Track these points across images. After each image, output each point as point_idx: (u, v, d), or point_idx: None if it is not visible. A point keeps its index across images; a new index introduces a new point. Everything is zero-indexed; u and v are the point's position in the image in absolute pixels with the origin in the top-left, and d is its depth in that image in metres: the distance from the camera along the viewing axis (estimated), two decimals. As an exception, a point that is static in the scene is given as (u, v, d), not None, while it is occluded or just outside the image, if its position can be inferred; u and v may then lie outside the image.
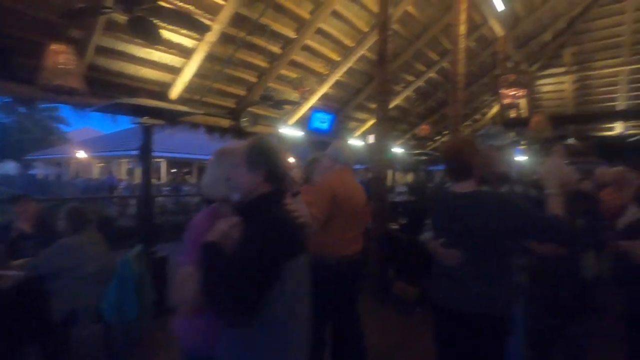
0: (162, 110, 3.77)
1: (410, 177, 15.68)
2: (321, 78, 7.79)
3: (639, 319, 1.99)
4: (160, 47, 5.07)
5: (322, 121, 8.79)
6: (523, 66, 11.62)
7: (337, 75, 7.87)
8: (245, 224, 1.12)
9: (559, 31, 11.13)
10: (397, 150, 13.32)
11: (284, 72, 7.00)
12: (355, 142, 10.54)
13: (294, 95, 7.37)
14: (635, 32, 10.23)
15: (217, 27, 5.18)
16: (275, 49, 6.49)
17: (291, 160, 11.31)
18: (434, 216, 1.81)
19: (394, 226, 4.99)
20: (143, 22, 2.89)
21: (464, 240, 1.57)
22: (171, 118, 4.71)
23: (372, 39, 6.92)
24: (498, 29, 8.36)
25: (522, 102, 11.82)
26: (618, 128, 12.08)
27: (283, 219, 1.17)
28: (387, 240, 4.16)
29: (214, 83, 6.20)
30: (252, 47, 6.20)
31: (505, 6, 7.54)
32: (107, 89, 4.94)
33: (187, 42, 5.34)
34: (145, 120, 3.73)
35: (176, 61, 5.50)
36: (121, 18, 3.89)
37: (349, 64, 7.74)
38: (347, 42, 7.31)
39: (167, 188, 14.24)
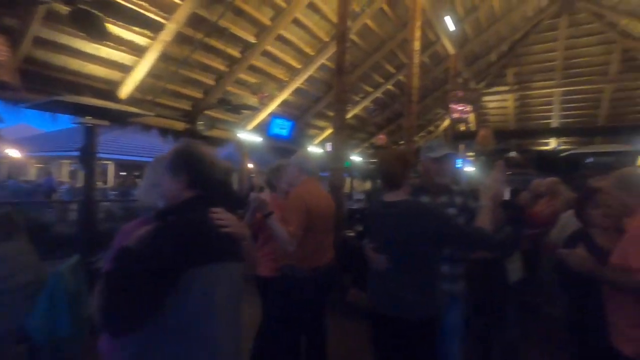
0: (108, 110, 3.53)
1: (368, 185, 16.06)
2: (281, 84, 7.78)
3: (578, 322, 2.18)
4: (109, 43, 4.78)
5: (282, 127, 8.76)
6: (472, 83, 12.47)
7: (297, 83, 7.90)
8: (155, 229, 1.06)
9: (502, 53, 12.12)
10: (355, 158, 13.64)
11: (243, 76, 6.90)
12: (314, 149, 10.62)
13: (253, 100, 7.28)
14: (565, 58, 11.40)
15: (172, 26, 4.99)
16: (235, 52, 6.39)
17: (250, 165, 11.15)
18: (369, 223, 1.91)
19: (351, 233, 5.05)
20: (87, 15, 2.70)
21: (392, 246, 1.65)
22: (119, 119, 4.42)
23: (333, 49, 7.05)
24: (450, 47, 8.90)
25: (471, 116, 12.66)
26: (552, 143, 13.32)
27: (196, 224, 1.09)
28: (343, 247, 4.20)
29: (169, 84, 5.95)
30: (210, 50, 6.05)
31: (456, 27, 8.06)
32: (47, 84, 4.54)
33: (140, 40, 5.09)
34: (88, 120, 3.46)
35: (127, 59, 5.20)
36: (63, 9, 3.61)
37: (310, 72, 7.81)
38: (308, 50, 7.39)
39: (115, 192, 13.32)
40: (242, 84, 7.12)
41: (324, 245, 2.30)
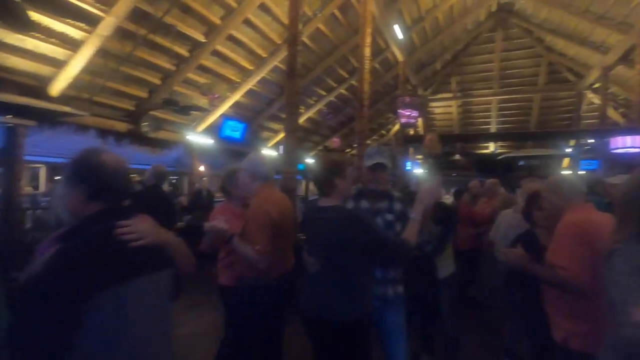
0: (33, 108, 3.18)
1: (322, 187, 16.17)
2: (233, 85, 7.59)
3: (516, 314, 2.35)
4: (36, 35, 4.33)
5: (234, 130, 8.54)
6: (419, 90, 13.12)
7: (249, 84, 7.76)
8: (54, 254, 0.95)
9: (446, 62, 12.91)
10: (310, 161, 13.71)
11: (191, 76, 6.63)
12: (268, 152, 10.50)
13: (202, 101, 7.02)
14: (501, 69, 12.42)
15: (111, 20, 4.65)
16: (182, 51, 6.12)
17: (201, 168, 10.73)
18: (305, 226, 1.92)
19: (303, 237, 5.04)
20: (6, 3, 2.42)
21: (322, 250, 1.69)
22: (47, 118, 4.01)
23: (285, 51, 7.02)
24: (399, 55, 9.28)
25: (419, 121, 13.30)
26: (491, 147, 14.42)
27: (99, 245, 0.99)
28: (296, 251, 4.19)
29: (109, 81, 5.54)
30: (156, 47, 5.73)
31: (404, 35, 8.43)
32: (-42, 78, 4.02)
33: (74, 33, 4.67)
34: (8, 119, 3.10)
35: (59, 53, 4.75)
36: (-21, -6, 3.21)
37: (262, 73, 7.71)
38: (260, 51, 7.29)
39: (47, 198, 12.10)
40: (190, 84, 6.83)
41: (287, 251, 2.21)
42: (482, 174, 11.98)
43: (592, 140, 10.34)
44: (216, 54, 6.63)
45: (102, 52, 5.04)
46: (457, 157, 14.26)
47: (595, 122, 10.85)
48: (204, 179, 9.13)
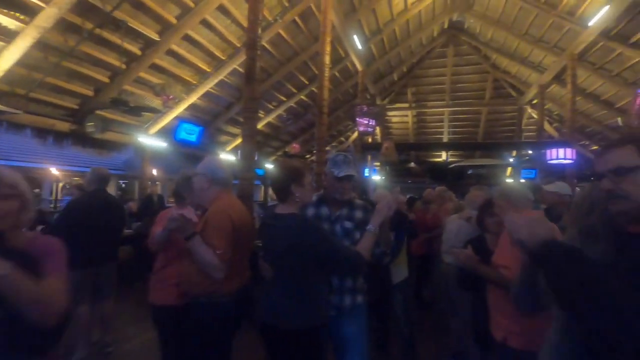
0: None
1: (282, 193, 16.04)
2: (189, 87, 7.32)
3: (460, 315, 2.45)
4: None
5: (190, 133, 8.23)
6: (378, 99, 13.54)
7: (207, 87, 7.53)
8: None
9: (403, 73, 13.47)
10: (271, 166, 13.57)
11: (144, 75, 6.30)
12: (226, 156, 10.23)
13: (156, 102, 6.70)
14: (452, 82, 13.19)
15: (52, 10, 4.29)
16: (134, 48, 5.80)
17: (154, 172, 10.18)
18: (262, 233, 1.89)
19: (259, 244, 4.93)
20: None
21: (277, 257, 1.66)
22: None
23: (245, 55, 6.93)
24: (358, 64, 9.52)
25: (378, 129, 13.70)
26: (443, 156, 15.21)
27: None
28: (252, 259, 4.08)
29: (48, 77, 5.10)
30: (103, 42, 5.38)
31: (362, 46, 8.67)
32: None
33: (7, 22, 4.25)
34: None
35: (-12, 43, 4.30)
36: None
37: (220, 76, 7.53)
38: (218, 53, 7.12)
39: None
40: (143, 83, 6.49)
41: (244, 263, 2.03)
42: (435, 182, 12.63)
43: (531, 152, 11.28)
44: (171, 53, 6.37)
45: (41, 45, 4.64)
46: (412, 164, 14.88)
47: (533, 134, 11.84)
48: (157, 183, 8.69)
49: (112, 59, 5.66)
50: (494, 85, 12.88)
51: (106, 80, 5.92)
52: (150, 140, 7.39)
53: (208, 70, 7.30)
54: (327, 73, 6.12)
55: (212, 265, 1.72)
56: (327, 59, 6.07)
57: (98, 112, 5.95)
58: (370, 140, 11.96)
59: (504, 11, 8.88)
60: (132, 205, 6.25)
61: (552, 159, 8.23)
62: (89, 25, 4.87)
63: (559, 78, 9.59)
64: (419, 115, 14.80)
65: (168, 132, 7.80)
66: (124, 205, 5.94)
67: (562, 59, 8.56)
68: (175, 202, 2.66)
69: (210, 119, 9.08)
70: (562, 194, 2.83)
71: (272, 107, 10.36)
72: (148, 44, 5.90)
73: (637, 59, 7.38)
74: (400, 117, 15.10)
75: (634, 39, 7.10)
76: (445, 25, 11.49)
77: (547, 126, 11.85)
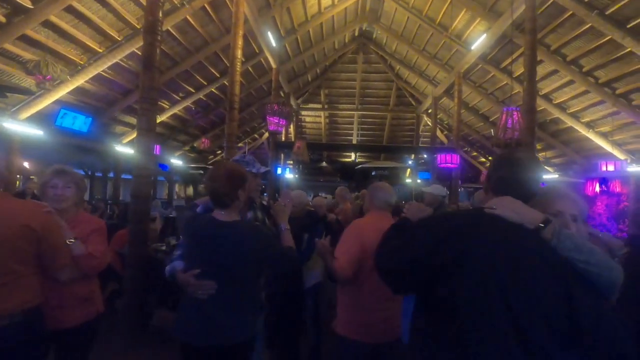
0: None
1: (190, 191, 15.05)
2: (75, 68, 6.31)
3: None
4: None
5: (76, 120, 7.12)
6: (292, 98, 13.63)
7: (98, 69, 6.59)
8: None
9: (316, 75, 13.81)
10: (177, 161, 12.56)
11: (10, 47, 5.21)
12: (124, 149, 9.14)
13: (28, 82, 5.61)
14: (361, 88, 14.01)
15: None
16: (-4, 14, 4.75)
17: (25, 165, 8.52)
18: (188, 245, 1.69)
19: (162, 247, 4.51)
20: None
21: (219, 270, 1.53)
22: None
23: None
24: (272, 62, 9.42)
25: (292, 128, 13.81)
26: (353, 156, 16.09)
27: None
28: (147, 265, 3.69)
29: None
30: (-50, 1, 4.28)
31: (277, 44, 8.60)
32: None
33: None
34: None
35: None
36: None
37: (115, 59, 6.66)
38: (113, 33, 6.29)
39: None
40: (10, 57, 5.38)
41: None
42: (345, 181, 13.31)
43: (426, 156, 12.67)
44: (49, 25, 5.40)
45: None
46: (324, 164, 15.41)
47: (428, 140, 13.31)
48: (32, 178, 7.29)
49: (-37, 24, 4.55)
50: (397, 94, 14.08)
51: (-46, 48, 4.73)
52: (20, 126, 6.16)
53: (100, 50, 6.40)
54: (238, 67, 5.88)
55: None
56: (239, 53, 5.84)
57: (-60, 87, 4.73)
58: (283, 139, 11.98)
59: (406, 27, 9.76)
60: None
61: (441, 163, 9.36)
62: None
63: (448, 92, 10.96)
64: (331, 116, 15.39)
65: (46, 119, 6.62)
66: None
67: (451, 76, 9.79)
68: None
69: (104, 107, 7.99)
70: (436, 195, 3.44)
71: (179, 98, 9.61)
72: (17, 10, 4.89)
73: (505, 82, 8.84)
74: (314, 117, 15.48)
75: (503, 65, 8.49)
76: (356, 33, 12.13)
77: (439, 133, 13.45)
